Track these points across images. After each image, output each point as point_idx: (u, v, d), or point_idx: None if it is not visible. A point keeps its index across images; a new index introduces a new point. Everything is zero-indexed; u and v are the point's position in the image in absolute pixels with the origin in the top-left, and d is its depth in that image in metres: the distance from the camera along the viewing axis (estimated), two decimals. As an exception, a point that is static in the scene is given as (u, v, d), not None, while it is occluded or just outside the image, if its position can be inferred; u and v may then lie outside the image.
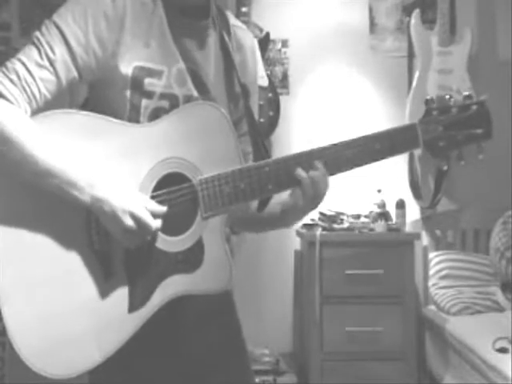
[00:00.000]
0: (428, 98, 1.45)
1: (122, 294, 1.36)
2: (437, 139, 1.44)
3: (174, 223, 1.37)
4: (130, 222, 1.30)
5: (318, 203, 1.45)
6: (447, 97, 1.45)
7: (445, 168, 1.45)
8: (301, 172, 1.41)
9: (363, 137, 1.44)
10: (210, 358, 1.53)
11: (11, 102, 1.30)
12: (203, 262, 1.42)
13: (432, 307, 3.83)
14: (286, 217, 1.53)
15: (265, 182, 1.41)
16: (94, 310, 1.34)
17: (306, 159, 1.42)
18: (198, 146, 1.41)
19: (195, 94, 1.46)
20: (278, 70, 4.07)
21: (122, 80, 1.39)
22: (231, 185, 1.40)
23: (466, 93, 1.47)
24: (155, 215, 1.33)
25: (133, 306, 1.36)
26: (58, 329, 1.32)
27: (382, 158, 1.45)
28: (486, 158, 1.47)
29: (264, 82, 3.79)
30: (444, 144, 1.44)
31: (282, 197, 1.50)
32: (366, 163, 1.45)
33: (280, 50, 4.07)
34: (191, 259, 1.40)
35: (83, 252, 1.34)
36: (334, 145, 1.44)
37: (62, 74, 1.35)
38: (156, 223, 1.33)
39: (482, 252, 3.96)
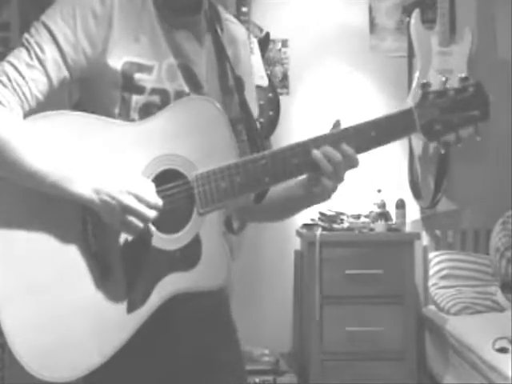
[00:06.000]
0: (424, 81, 1.41)
1: (120, 295, 1.34)
2: (433, 123, 1.40)
3: (170, 221, 1.36)
4: (129, 199, 1.27)
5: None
6: (443, 79, 1.41)
7: (442, 152, 1.40)
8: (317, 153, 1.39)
9: (359, 124, 1.41)
10: (203, 359, 1.51)
11: (3, 105, 1.29)
12: (201, 258, 1.40)
13: (432, 307, 3.83)
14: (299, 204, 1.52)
15: (262, 175, 1.39)
16: (92, 312, 1.33)
17: (302, 149, 1.41)
18: (193, 141, 1.39)
19: (186, 89, 1.45)
20: (278, 70, 4.07)
21: (112, 76, 1.38)
22: (227, 179, 1.37)
23: (463, 75, 1.43)
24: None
25: (132, 306, 1.35)
26: (57, 332, 1.30)
27: (379, 145, 1.42)
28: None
29: (264, 81, 3.79)
30: (440, 127, 1.41)
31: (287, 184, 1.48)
32: (364, 151, 1.41)
33: (280, 50, 4.07)
34: (189, 256, 1.39)
35: (80, 254, 1.32)
36: (331, 134, 1.43)
37: (53, 74, 1.33)
38: (156, 200, 1.31)
39: (482, 252, 3.96)
